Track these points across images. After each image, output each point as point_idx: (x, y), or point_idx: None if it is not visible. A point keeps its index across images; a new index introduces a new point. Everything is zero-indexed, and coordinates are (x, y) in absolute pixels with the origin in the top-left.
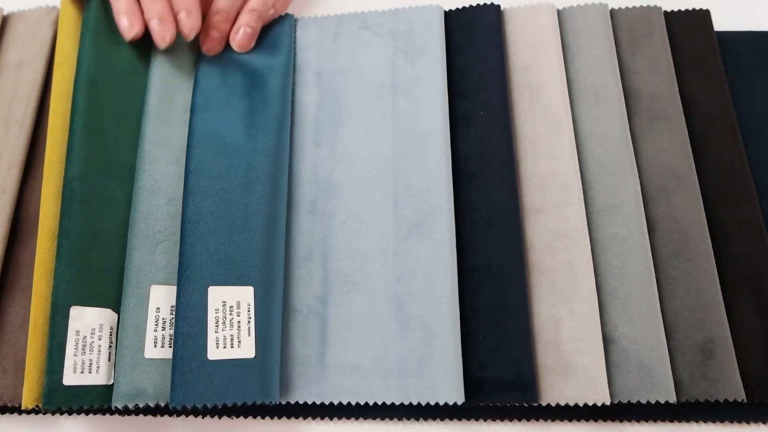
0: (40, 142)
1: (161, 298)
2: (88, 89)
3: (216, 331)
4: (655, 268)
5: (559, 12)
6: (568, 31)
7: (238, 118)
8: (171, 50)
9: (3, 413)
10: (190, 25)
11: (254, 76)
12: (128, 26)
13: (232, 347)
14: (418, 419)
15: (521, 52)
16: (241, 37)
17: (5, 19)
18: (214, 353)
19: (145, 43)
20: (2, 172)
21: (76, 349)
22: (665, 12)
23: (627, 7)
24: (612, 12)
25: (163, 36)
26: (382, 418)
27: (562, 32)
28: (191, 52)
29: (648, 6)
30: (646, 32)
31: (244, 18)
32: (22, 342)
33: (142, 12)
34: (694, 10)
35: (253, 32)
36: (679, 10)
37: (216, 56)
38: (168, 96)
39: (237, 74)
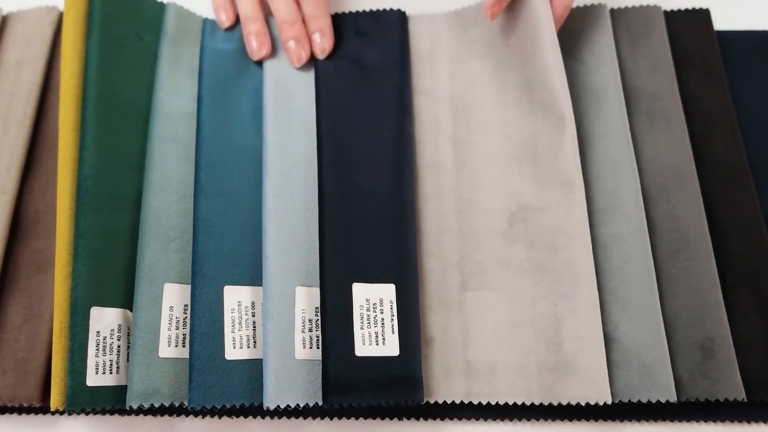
0: (39, 142)
1: (174, 297)
2: (98, 86)
3: (232, 331)
4: (655, 267)
5: None
6: (568, 30)
7: (247, 118)
8: (177, 43)
9: (3, 413)
10: (323, 46)
11: (260, 76)
12: (257, 48)
13: (248, 348)
14: (418, 419)
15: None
16: None
17: (5, 19)
18: (231, 353)
19: (150, 39)
20: (2, 172)
21: (98, 349)
22: (665, 12)
23: (627, 7)
24: (612, 12)
25: (299, 56)
26: (387, 418)
27: (562, 32)
28: (197, 45)
29: (648, 6)
30: (646, 32)
31: None
32: (21, 342)
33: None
34: (694, 9)
35: None
36: (679, 10)
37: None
38: (175, 90)
39: (242, 73)
